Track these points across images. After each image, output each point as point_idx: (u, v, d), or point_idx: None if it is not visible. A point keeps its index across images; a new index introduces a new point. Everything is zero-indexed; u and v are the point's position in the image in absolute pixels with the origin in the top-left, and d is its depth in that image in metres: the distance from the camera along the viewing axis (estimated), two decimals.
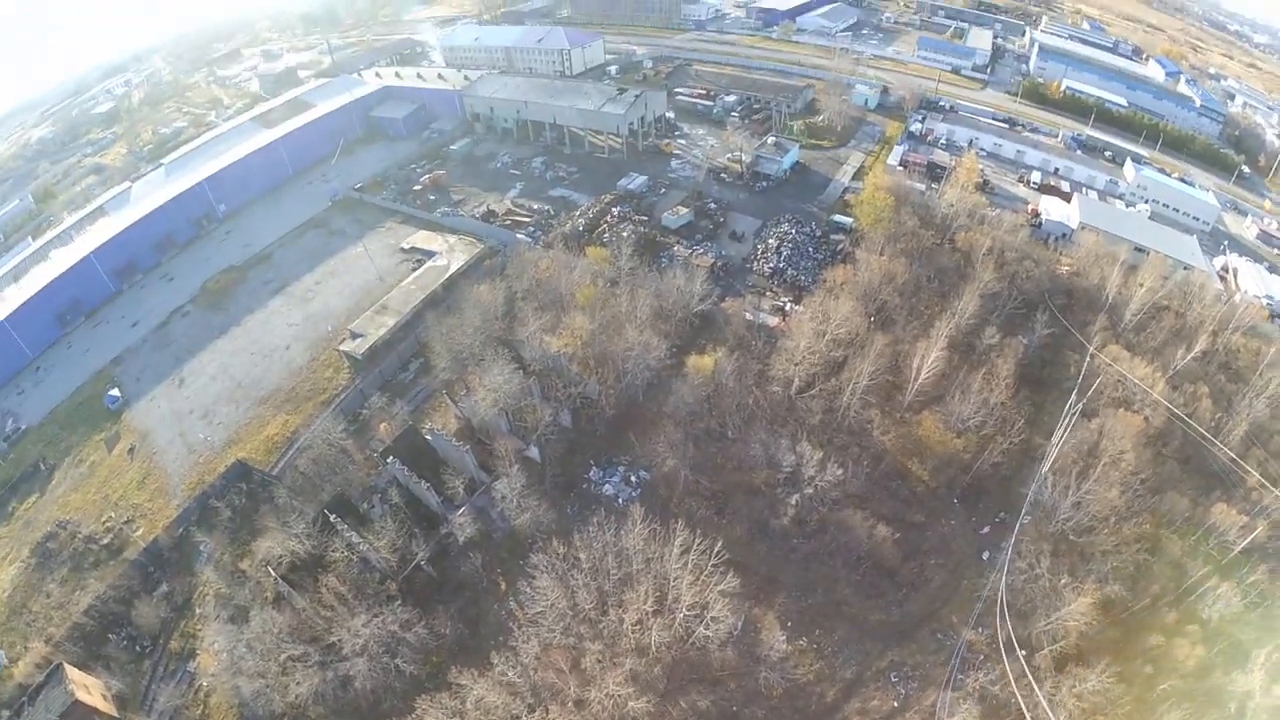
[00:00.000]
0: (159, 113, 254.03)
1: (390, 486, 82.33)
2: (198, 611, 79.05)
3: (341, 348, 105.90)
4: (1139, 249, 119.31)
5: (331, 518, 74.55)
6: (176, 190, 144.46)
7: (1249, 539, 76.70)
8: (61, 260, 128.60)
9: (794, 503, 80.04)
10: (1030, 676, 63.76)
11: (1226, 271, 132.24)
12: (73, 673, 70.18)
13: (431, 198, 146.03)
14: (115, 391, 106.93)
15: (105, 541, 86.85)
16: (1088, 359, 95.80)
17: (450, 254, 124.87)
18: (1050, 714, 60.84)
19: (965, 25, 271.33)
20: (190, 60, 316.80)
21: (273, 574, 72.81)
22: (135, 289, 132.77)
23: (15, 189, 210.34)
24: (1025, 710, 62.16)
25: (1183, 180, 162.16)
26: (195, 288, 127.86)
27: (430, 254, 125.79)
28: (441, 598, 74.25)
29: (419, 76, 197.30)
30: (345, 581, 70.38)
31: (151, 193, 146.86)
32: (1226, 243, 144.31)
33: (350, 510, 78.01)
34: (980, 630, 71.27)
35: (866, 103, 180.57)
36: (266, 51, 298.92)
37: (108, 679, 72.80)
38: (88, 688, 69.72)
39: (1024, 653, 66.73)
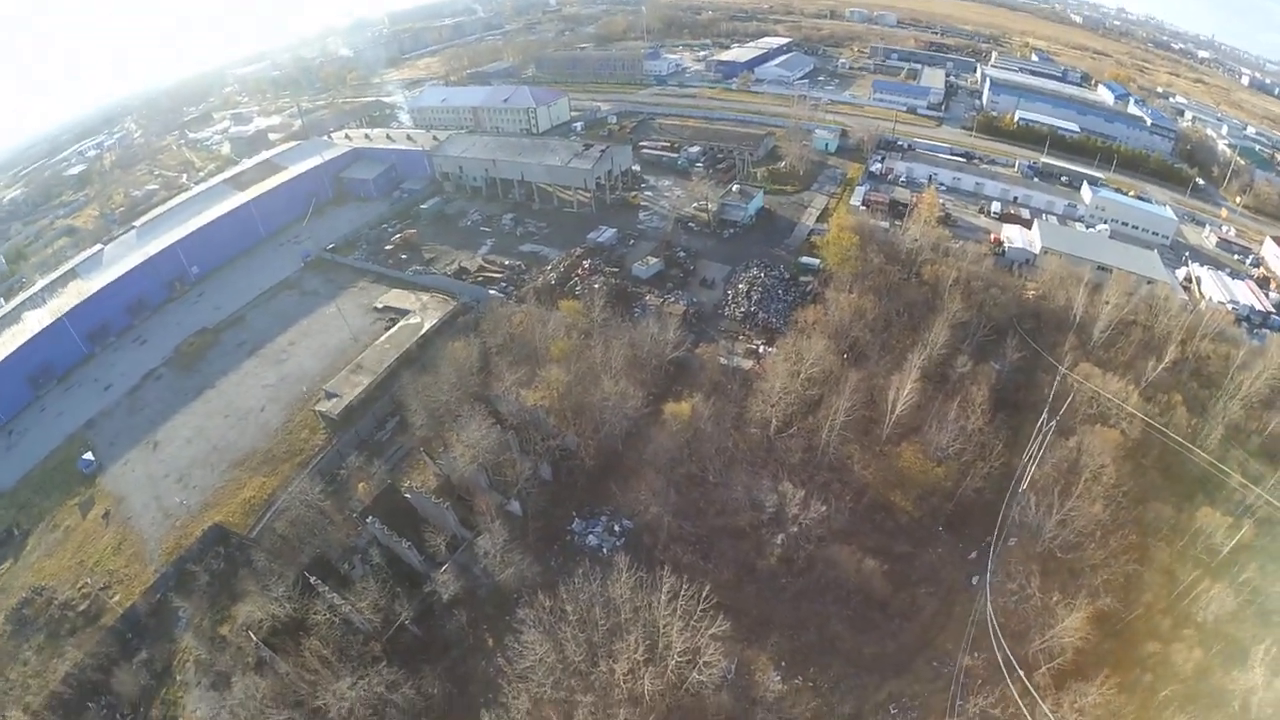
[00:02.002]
0: (131, 175, 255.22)
1: (371, 546, 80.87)
2: (178, 679, 76.32)
3: (317, 408, 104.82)
4: (1102, 268, 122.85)
5: (312, 579, 72.94)
6: (149, 253, 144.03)
7: (1236, 538, 77.19)
8: (33, 322, 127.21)
9: (779, 542, 79.71)
10: (1034, 694, 63.05)
11: (1190, 281, 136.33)
12: None
13: (403, 257, 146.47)
14: (89, 455, 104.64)
15: (82, 608, 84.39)
16: (1058, 379, 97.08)
17: (423, 312, 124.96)
18: None
19: (918, 66, 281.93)
20: (162, 123, 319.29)
21: (253, 639, 70.86)
22: (108, 352, 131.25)
23: None
24: None
25: (1139, 198, 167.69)
26: (168, 350, 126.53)
27: (403, 312, 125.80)
28: (428, 657, 72.43)
29: (388, 138, 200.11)
30: (328, 644, 68.49)
31: (124, 255, 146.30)
32: (1188, 254, 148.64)
33: (331, 572, 76.44)
34: (976, 655, 70.62)
35: (827, 147, 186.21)
36: (237, 115, 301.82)
37: None
38: None
39: (1022, 673, 66.12)
